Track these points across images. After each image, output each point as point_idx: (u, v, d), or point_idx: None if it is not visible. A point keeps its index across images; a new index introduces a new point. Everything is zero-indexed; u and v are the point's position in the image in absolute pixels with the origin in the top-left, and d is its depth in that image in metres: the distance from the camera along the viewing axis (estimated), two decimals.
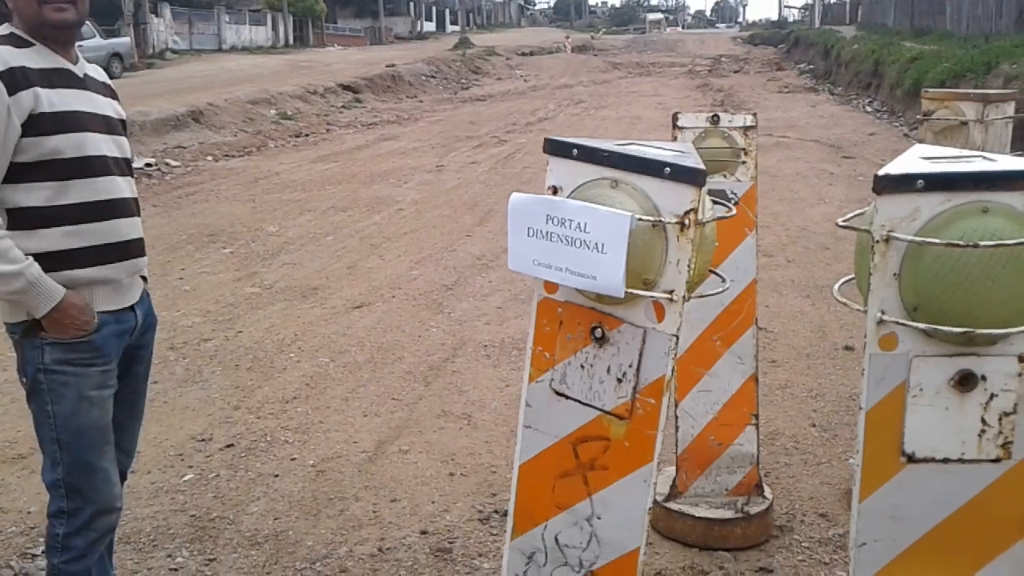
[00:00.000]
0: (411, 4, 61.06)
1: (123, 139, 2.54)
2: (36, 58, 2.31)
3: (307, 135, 17.89)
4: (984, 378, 1.53)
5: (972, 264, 1.42)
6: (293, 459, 4.07)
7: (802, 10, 78.39)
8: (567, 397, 1.81)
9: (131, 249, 2.48)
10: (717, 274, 1.70)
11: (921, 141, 3.30)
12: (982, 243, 1.39)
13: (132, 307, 2.52)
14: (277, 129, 18.13)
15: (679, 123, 3.32)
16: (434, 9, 67.43)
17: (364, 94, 24.76)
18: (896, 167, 1.48)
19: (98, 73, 2.57)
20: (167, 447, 4.21)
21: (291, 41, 46.89)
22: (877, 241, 1.47)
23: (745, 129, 3.32)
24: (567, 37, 50.77)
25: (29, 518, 3.58)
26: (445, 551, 3.32)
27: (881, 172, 1.45)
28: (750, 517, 3.34)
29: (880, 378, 1.53)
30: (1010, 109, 3.24)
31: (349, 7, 60.32)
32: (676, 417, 3.36)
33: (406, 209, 9.86)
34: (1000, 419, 1.55)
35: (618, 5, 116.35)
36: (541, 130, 17.13)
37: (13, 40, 2.32)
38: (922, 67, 20.99)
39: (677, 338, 1.65)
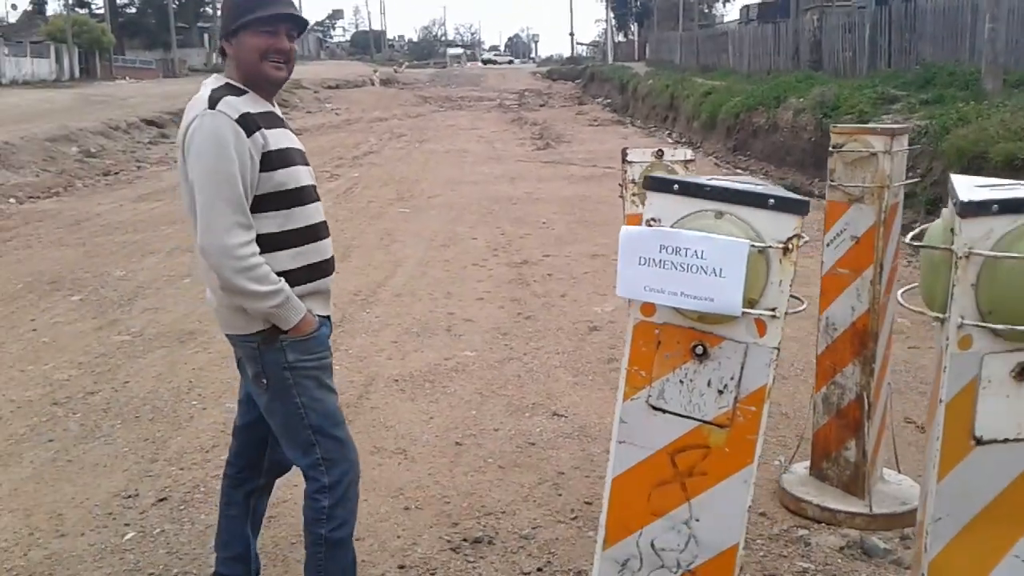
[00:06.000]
0: (205, 35, 58.93)
1: (311, 168, 2.85)
2: (252, 104, 2.60)
3: (117, 173, 16.97)
4: None
5: None
6: None
7: (591, 46, 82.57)
8: (664, 411, 1.96)
9: (333, 265, 2.83)
10: (796, 297, 1.91)
11: (832, 171, 3.72)
12: None
13: (327, 316, 2.83)
14: (83, 167, 17.06)
15: (628, 158, 3.57)
16: None
17: (170, 128, 23.59)
18: (970, 196, 1.75)
19: (281, 112, 2.84)
20: (90, 507, 3.94)
21: (77, 74, 44.11)
22: (960, 257, 1.74)
23: (685, 163, 3.62)
24: (375, 71, 50.86)
25: None
26: None
27: (964, 199, 1.72)
28: None
29: (958, 374, 1.80)
30: (905, 142, 3.73)
31: (138, 38, 57.49)
32: None
33: None
34: None
35: (416, 40, 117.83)
36: (371, 163, 17.14)
37: (231, 89, 2.59)
38: (716, 101, 22.79)
39: (778, 350, 1.86)
